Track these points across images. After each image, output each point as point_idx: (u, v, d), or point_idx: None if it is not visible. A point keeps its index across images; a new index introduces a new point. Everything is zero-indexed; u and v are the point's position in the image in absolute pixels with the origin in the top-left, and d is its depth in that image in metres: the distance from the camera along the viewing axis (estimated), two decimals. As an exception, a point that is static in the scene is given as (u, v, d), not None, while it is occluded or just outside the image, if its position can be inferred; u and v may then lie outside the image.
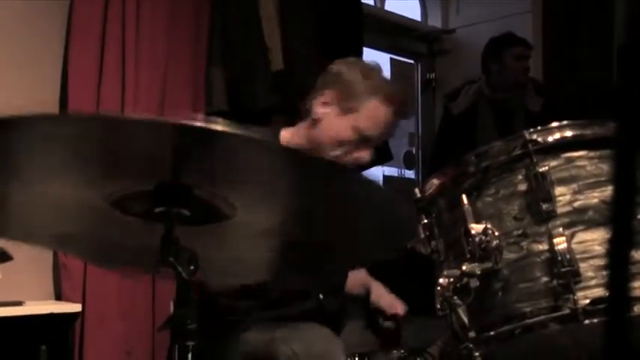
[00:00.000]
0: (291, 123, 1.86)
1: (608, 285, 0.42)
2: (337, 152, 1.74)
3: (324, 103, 1.75)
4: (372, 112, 1.73)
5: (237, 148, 0.82)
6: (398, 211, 0.96)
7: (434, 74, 4.06)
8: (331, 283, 1.83)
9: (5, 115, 0.72)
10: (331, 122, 1.74)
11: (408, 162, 3.96)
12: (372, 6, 3.82)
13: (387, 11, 3.95)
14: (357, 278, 1.92)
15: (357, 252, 1.11)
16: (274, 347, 1.62)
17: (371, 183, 0.91)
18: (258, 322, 1.70)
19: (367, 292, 1.94)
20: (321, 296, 1.79)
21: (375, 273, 2.01)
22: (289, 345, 1.59)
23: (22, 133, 0.78)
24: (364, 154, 1.76)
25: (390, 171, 3.91)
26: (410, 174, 4.01)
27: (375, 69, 1.80)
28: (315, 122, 1.76)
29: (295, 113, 1.87)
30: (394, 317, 1.91)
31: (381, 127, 1.75)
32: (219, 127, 0.75)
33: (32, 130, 0.78)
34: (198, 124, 0.74)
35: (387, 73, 3.93)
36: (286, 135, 1.82)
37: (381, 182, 3.74)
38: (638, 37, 0.42)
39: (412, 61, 4.09)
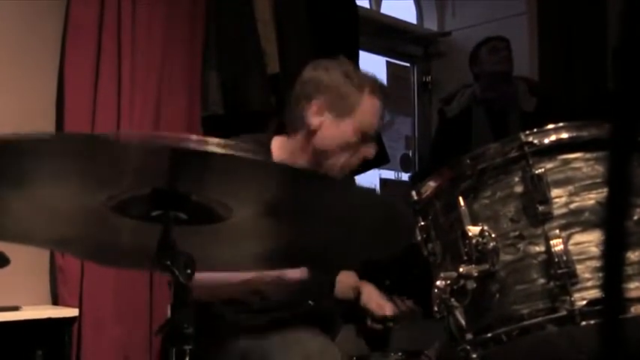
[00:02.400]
0: (283, 129, 1.85)
1: (602, 287, 0.42)
2: (345, 156, 1.74)
3: (317, 112, 1.73)
4: (367, 109, 1.74)
5: (231, 167, 0.84)
6: (394, 215, 0.96)
7: (430, 77, 4.07)
8: (319, 291, 1.82)
9: (3, 136, 0.74)
10: (331, 130, 1.73)
11: (405, 165, 3.96)
12: (367, 9, 3.82)
13: (383, 14, 3.95)
14: (347, 282, 1.92)
15: (352, 253, 1.12)
16: (270, 355, 1.61)
17: (364, 191, 0.92)
18: (250, 328, 1.69)
19: (357, 295, 1.94)
20: (310, 302, 1.79)
21: (372, 273, 2.02)
22: (285, 353, 1.58)
23: (19, 151, 0.80)
24: (370, 150, 1.77)
25: (387, 174, 3.91)
26: (407, 177, 4.01)
27: (348, 64, 1.80)
28: (313, 133, 1.73)
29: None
30: (383, 320, 1.91)
31: (376, 119, 1.76)
32: (213, 149, 0.77)
33: (30, 148, 0.80)
34: (193, 146, 0.76)
35: (382, 76, 3.91)
36: (281, 146, 1.79)
37: (377, 186, 3.75)
38: (633, 38, 0.42)
39: (408, 64, 4.10)
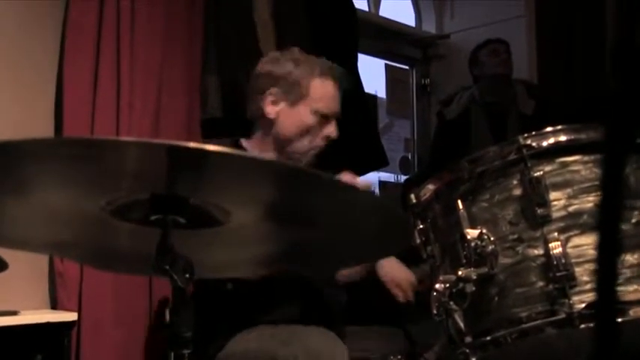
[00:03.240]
0: (247, 134, 1.88)
1: (597, 290, 0.42)
2: (307, 140, 1.80)
3: (273, 102, 1.80)
4: (320, 90, 1.80)
5: (228, 164, 0.84)
6: (389, 214, 0.96)
7: (429, 79, 4.07)
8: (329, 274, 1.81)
9: (1, 140, 0.74)
10: (288, 116, 1.80)
11: (404, 167, 3.96)
12: (366, 12, 3.83)
13: (382, 17, 3.96)
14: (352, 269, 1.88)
15: (349, 254, 1.12)
16: (275, 351, 1.60)
17: (357, 190, 0.93)
18: (258, 325, 1.69)
19: (368, 273, 1.90)
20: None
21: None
22: (290, 348, 1.56)
23: (18, 155, 0.80)
24: (331, 130, 1.82)
25: (386, 176, 3.91)
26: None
27: (296, 51, 1.87)
28: (273, 122, 1.80)
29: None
30: (405, 304, 1.86)
31: (332, 100, 1.82)
32: (210, 148, 0.78)
33: (28, 152, 0.80)
34: (191, 145, 0.76)
35: (381, 78, 3.90)
36: (252, 146, 1.85)
37: (376, 188, 3.75)
38: (628, 40, 0.42)
39: (407, 67, 4.10)
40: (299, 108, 1.79)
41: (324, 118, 1.81)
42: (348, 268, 1.88)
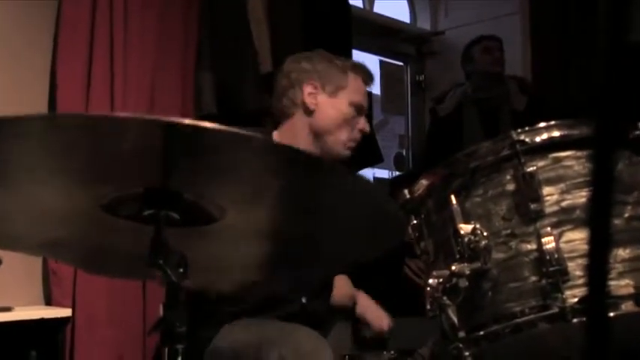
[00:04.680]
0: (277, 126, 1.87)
1: (588, 284, 0.42)
2: (346, 131, 1.82)
3: (311, 94, 1.81)
4: (356, 84, 1.85)
5: (226, 146, 0.81)
6: (387, 208, 0.96)
7: (423, 76, 4.07)
8: (314, 286, 1.83)
9: None
10: (328, 106, 1.81)
11: (399, 164, 3.97)
12: (360, 8, 3.83)
13: (376, 13, 3.96)
14: (344, 290, 1.93)
15: (345, 251, 1.12)
16: (261, 351, 1.60)
17: (360, 178, 0.92)
18: (243, 325, 1.69)
19: (353, 304, 1.96)
20: (304, 300, 1.79)
21: (364, 274, 2.01)
22: (277, 348, 1.57)
23: (8, 134, 0.77)
24: (364, 124, 1.86)
25: (381, 173, 3.91)
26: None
27: (324, 54, 1.91)
28: (312, 113, 1.81)
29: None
30: (380, 333, 1.92)
31: (365, 94, 1.87)
32: (208, 125, 0.75)
33: (20, 131, 0.77)
34: (187, 121, 0.74)
35: (376, 75, 3.92)
36: (281, 138, 1.83)
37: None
38: (616, 38, 0.42)
39: (401, 63, 4.10)
40: (338, 99, 1.82)
41: (358, 112, 1.84)
42: (343, 268, 1.90)
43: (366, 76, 1.88)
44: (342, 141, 1.81)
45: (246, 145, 0.81)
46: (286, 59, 1.92)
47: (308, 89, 1.81)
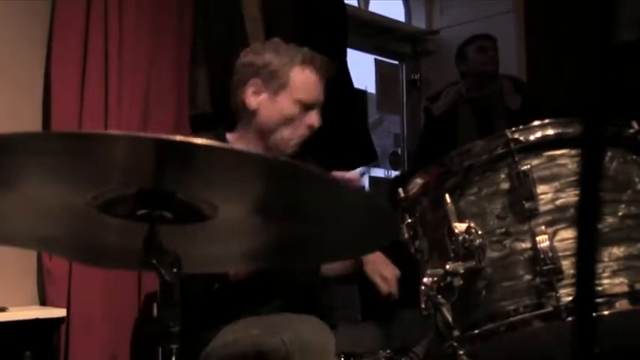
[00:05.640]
0: (231, 127, 1.88)
1: (576, 283, 0.42)
2: (289, 130, 1.78)
3: (254, 93, 1.79)
4: (300, 79, 1.79)
5: (215, 159, 0.84)
6: (376, 208, 0.96)
7: (418, 75, 4.07)
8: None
9: None
10: (270, 106, 1.79)
11: (394, 163, 3.97)
12: (356, 7, 3.83)
13: (371, 12, 3.95)
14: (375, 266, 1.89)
15: (335, 248, 1.12)
16: (261, 338, 1.58)
17: (335, 181, 0.93)
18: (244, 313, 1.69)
19: (357, 268, 1.90)
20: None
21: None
22: (278, 334, 1.54)
23: (6, 149, 0.80)
24: (313, 119, 1.81)
25: (376, 172, 3.91)
26: (396, 175, 4.01)
27: (278, 41, 1.86)
28: (255, 113, 1.80)
29: None
30: (387, 296, 1.88)
31: (313, 88, 1.81)
32: (199, 141, 0.77)
33: (15, 147, 0.80)
34: (178, 138, 0.76)
35: (371, 74, 3.89)
36: (237, 138, 1.84)
37: (366, 183, 3.75)
38: (608, 39, 0.42)
39: (397, 62, 4.11)
40: (280, 98, 1.78)
41: (306, 108, 1.80)
42: (335, 262, 1.89)
43: (317, 68, 1.81)
44: (283, 140, 1.79)
45: (236, 159, 0.86)
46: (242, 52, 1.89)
47: (251, 89, 1.79)
